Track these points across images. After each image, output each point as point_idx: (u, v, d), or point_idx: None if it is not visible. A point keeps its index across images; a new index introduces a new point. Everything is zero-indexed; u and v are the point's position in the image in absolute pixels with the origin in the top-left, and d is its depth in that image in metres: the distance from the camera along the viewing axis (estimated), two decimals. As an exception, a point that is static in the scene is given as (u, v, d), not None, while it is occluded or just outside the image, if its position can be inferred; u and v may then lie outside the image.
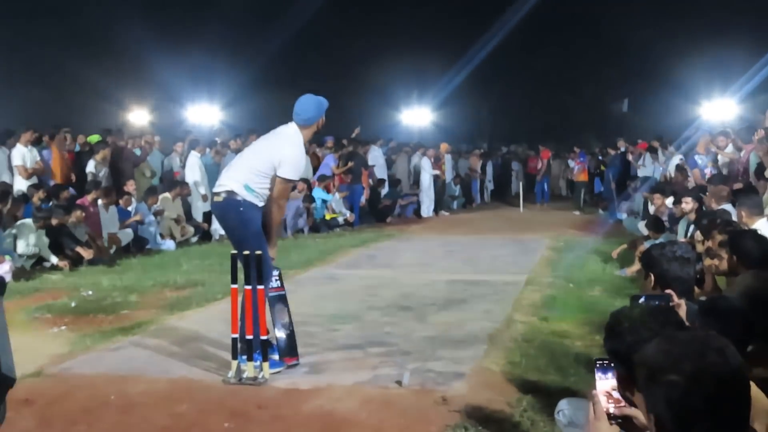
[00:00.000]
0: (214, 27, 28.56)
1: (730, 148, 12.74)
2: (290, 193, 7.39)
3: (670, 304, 3.82)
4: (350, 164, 18.22)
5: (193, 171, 15.44)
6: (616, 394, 2.37)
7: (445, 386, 5.49)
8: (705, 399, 1.86)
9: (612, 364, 2.46)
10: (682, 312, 3.80)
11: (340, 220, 17.21)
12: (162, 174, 16.02)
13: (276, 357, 5.95)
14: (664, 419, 1.92)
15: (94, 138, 15.07)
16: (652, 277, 4.18)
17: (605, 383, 2.42)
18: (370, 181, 19.21)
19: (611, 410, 2.32)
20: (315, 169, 18.24)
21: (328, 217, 16.99)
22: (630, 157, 20.14)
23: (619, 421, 2.31)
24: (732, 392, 1.90)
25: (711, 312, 3.78)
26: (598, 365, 2.46)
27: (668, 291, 3.93)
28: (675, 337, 2.05)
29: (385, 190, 20.14)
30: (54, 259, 11.17)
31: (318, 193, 17.09)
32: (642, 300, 3.75)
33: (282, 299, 6.18)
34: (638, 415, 2.30)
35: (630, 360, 2.32)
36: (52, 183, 13.35)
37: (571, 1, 33.96)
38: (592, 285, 9.49)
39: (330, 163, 18.11)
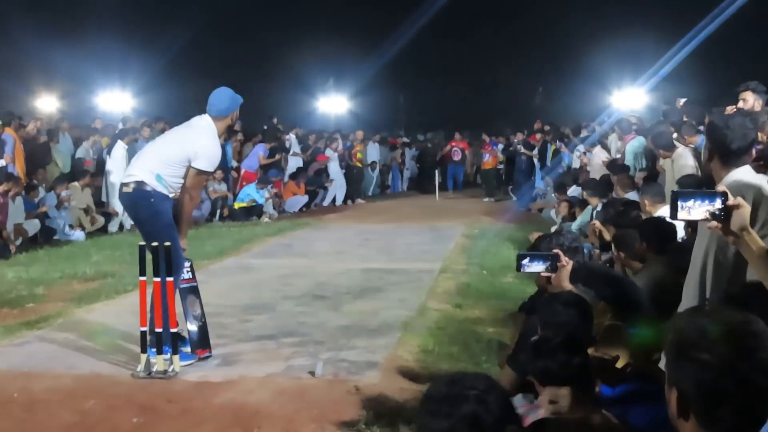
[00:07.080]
0: (128, 14, 28.00)
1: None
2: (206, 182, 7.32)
3: (558, 264, 3.96)
4: (278, 156, 18.09)
5: (118, 162, 14.88)
6: None
7: (358, 376, 5.51)
8: (738, 383, 1.75)
9: None
10: (567, 271, 3.96)
11: (266, 219, 16.78)
12: (72, 162, 15.52)
13: (187, 350, 5.87)
14: (688, 395, 1.81)
15: None
16: None
17: None
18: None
19: None
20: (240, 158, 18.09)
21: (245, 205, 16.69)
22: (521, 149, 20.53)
23: None
24: (766, 379, 1.76)
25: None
26: None
27: (556, 251, 4.05)
28: (715, 313, 1.92)
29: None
30: None
31: (251, 191, 16.79)
32: (527, 260, 3.95)
33: (194, 291, 6.10)
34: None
35: None
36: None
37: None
38: (505, 272, 9.58)
39: (260, 152, 17.82)
